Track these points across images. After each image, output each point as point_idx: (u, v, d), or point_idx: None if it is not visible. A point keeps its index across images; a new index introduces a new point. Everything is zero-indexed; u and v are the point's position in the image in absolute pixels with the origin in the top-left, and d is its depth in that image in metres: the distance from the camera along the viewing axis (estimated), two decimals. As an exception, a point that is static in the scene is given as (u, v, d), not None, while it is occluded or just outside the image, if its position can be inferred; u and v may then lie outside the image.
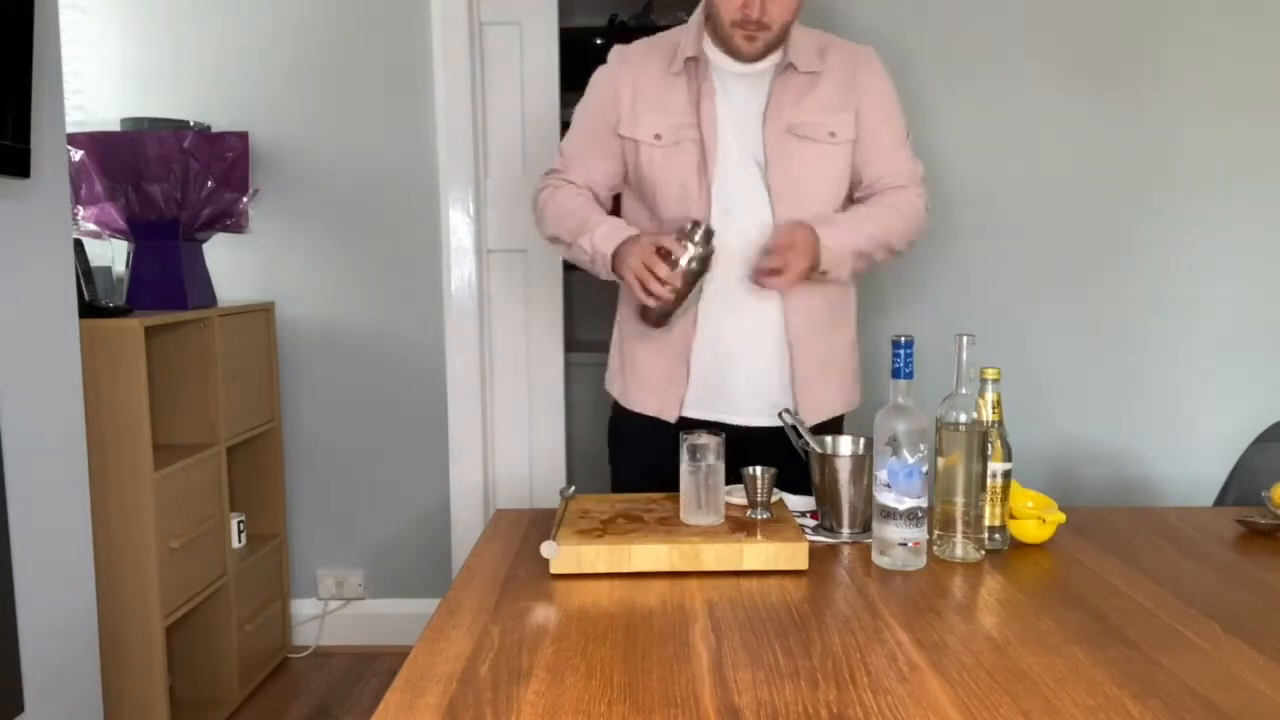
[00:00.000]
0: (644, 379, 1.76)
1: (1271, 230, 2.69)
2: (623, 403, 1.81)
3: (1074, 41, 2.66)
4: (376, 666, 2.79)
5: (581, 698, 0.93)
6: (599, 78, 1.76)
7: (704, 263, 1.55)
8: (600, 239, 1.64)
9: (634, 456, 1.82)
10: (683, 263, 1.53)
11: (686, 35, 1.69)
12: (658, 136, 1.67)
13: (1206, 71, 2.65)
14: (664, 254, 1.54)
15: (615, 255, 1.62)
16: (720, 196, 1.65)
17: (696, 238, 1.53)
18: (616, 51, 1.76)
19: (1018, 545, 1.39)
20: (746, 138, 1.65)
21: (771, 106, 1.65)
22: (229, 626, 2.51)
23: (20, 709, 1.75)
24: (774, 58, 1.68)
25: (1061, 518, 1.39)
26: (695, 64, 1.67)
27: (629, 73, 1.71)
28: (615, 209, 1.80)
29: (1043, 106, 2.68)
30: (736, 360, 1.70)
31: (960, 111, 2.68)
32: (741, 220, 1.64)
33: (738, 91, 1.67)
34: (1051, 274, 2.73)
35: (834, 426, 1.78)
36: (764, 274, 1.58)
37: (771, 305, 1.68)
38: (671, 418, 1.73)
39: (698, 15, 1.70)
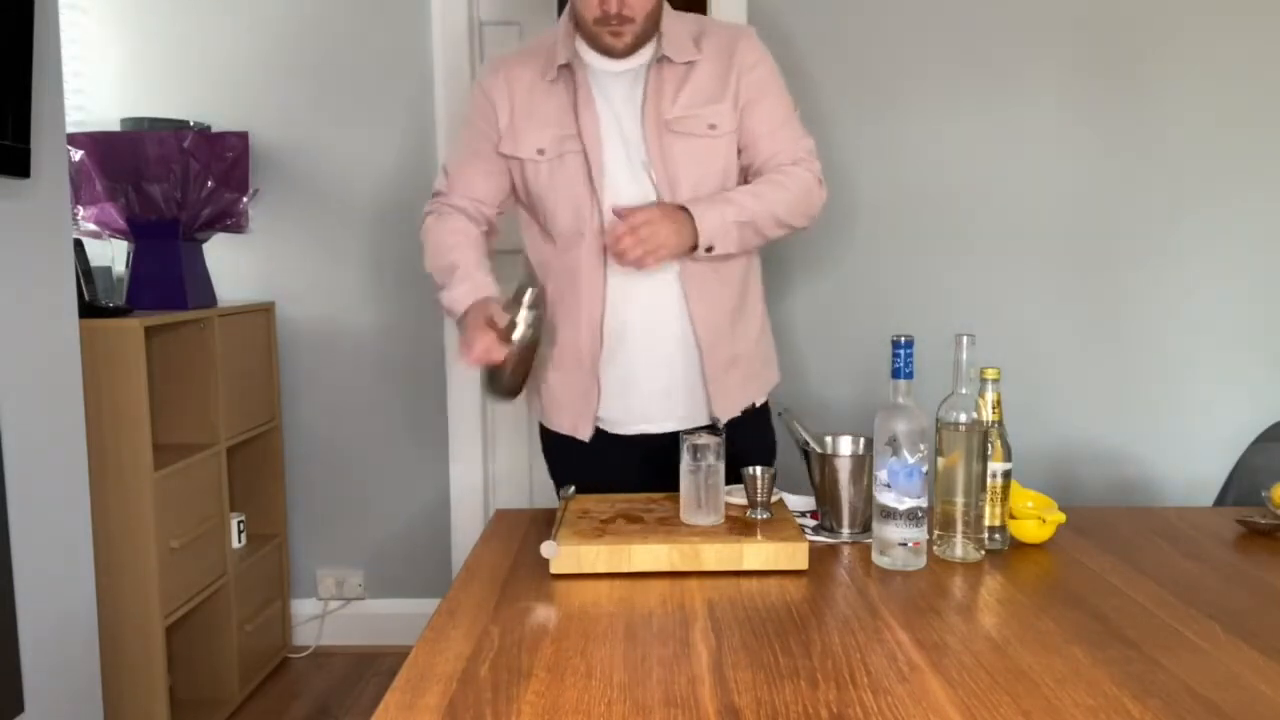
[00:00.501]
0: (558, 400, 1.73)
1: (1272, 231, 2.69)
2: (543, 422, 1.79)
3: (1074, 42, 2.66)
4: (376, 666, 2.79)
5: (581, 698, 0.93)
6: (474, 93, 1.70)
7: (537, 328, 1.52)
8: (454, 298, 1.62)
9: (566, 474, 1.75)
10: (516, 334, 1.50)
11: (557, 40, 1.64)
12: (540, 152, 1.63)
13: (1208, 72, 2.65)
14: (494, 325, 1.50)
15: (461, 319, 1.59)
16: (612, 204, 1.60)
17: (525, 300, 1.50)
18: (489, 64, 1.71)
19: (1018, 545, 1.39)
20: (629, 139, 1.61)
21: (648, 103, 1.59)
22: (229, 626, 2.51)
23: (20, 709, 1.75)
24: (648, 51, 1.62)
25: (1061, 518, 1.39)
26: (570, 69, 1.61)
27: (503, 86, 1.65)
28: None
29: (1043, 107, 2.68)
30: (644, 371, 1.67)
31: (960, 112, 2.68)
32: None
33: (615, 90, 1.62)
34: (1051, 274, 2.73)
35: (757, 415, 1.76)
36: (617, 245, 1.50)
37: (675, 312, 1.64)
38: (586, 436, 1.70)
39: (565, 18, 1.65)
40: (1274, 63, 2.64)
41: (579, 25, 1.61)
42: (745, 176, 1.68)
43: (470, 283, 1.63)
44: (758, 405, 1.75)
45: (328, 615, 2.94)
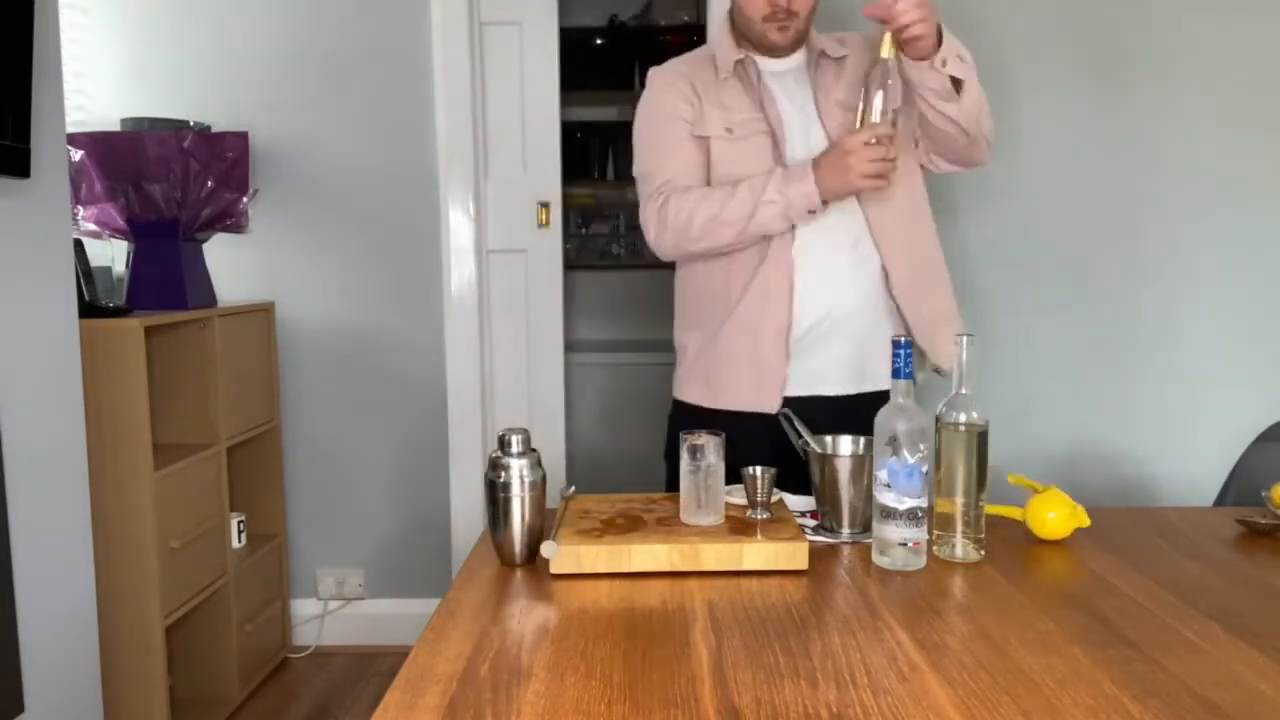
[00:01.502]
0: (735, 372, 1.75)
1: (1273, 232, 2.69)
2: (704, 404, 1.79)
3: (1075, 43, 2.66)
4: (376, 666, 2.79)
5: (581, 698, 0.93)
6: (657, 92, 1.78)
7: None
8: (783, 182, 1.63)
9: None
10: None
11: (720, 46, 1.77)
12: (729, 130, 1.71)
13: (1208, 72, 2.65)
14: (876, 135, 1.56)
15: (823, 179, 1.60)
16: None
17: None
18: (658, 70, 1.81)
19: (1018, 545, 1.39)
20: (808, 126, 1.72)
21: (820, 92, 1.73)
22: (229, 626, 2.51)
23: (20, 709, 1.75)
24: (800, 55, 1.77)
25: (1085, 520, 1.39)
26: (743, 66, 1.74)
27: (682, 79, 1.76)
28: None
29: (1044, 107, 2.68)
30: (838, 328, 1.73)
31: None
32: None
33: (784, 85, 1.75)
34: (1052, 274, 2.73)
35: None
36: (903, 19, 1.54)
37: (872, 270, 1.72)
38: (773, 408, 1.70)
39: (723, 29, 1.78)
40: (1275, 64, 2.64)
41: (740, 28, 1.74)
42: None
43: (778, 172, 1.66)
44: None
45: (328, 615, 2.94)
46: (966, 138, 1.71)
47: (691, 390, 1.83)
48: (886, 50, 1.56)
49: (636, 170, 1.81)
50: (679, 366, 1.88)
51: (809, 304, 1.71)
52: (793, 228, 1.68)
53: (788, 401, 1.69)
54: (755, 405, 1.73)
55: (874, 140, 1.56)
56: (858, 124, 1.58)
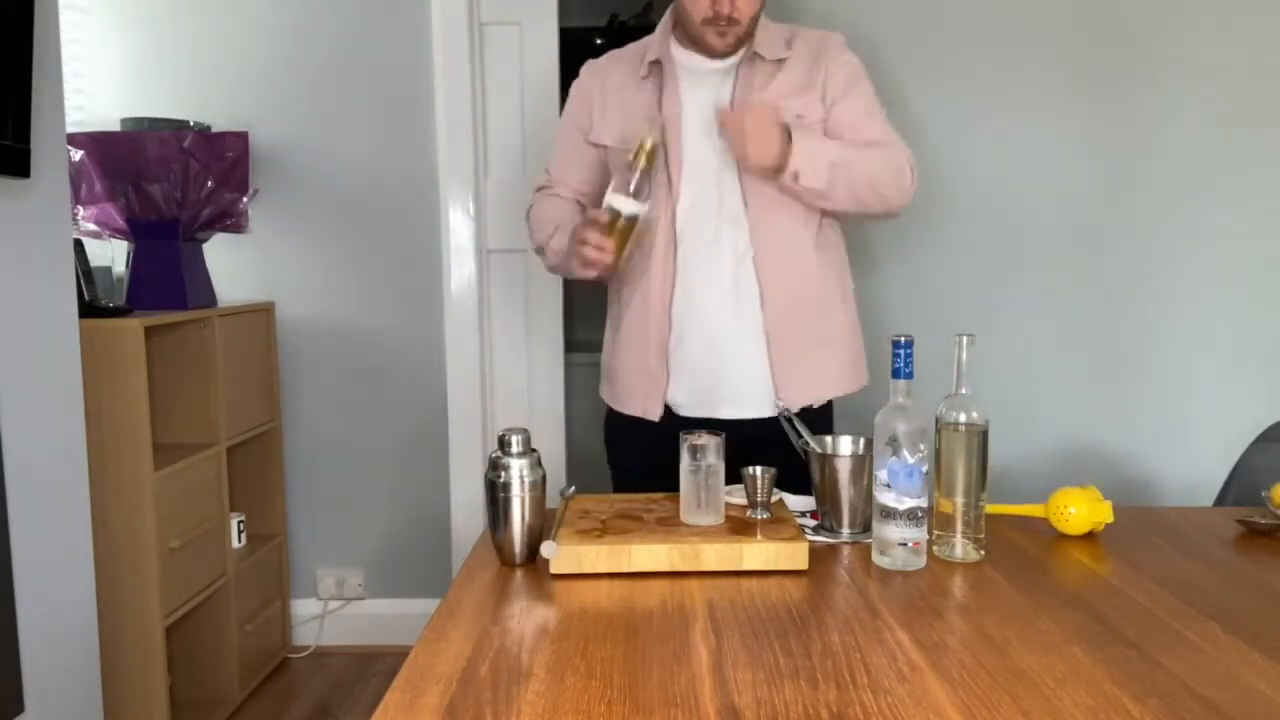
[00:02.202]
0: (628, 382, 1.78)
1: (1272, 231, 2.69)
2: (612, 405, 1.84)
3: (1071, 43, 2.66)
4: (376, 666, 2.79)
5: (581, 698, 0.93)
6: (571, 91, 1.83)
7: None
8: (560, 240, 1.70)
9: (629, 458, 1.84)
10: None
11: (654, 41, 1.74)
12: (624, 139, 1.68)
13: (1206, 73, 2.65)
14: (597, 222, 1.56)
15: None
16: (687, 189, 1.67)
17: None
18: (587, 65, 1.82)
19: (1018, 545, 1.39)
20: (712, 129, 1.66)
21: (737, 95, 1.66)
22: (229, 626, 2.51)
23: (20, 709, 1.75)
24: (740, 51, 1.70)
25: (1108, 517, 1.40)
26: (660, 67, 1.71)
27: (596, 82, 1.78)
28: None
29: (1042, 108, 2.68)
30: (714, 352, 1.71)
31: (960, 114, 2.68)
32: (711, 211, 1.67)
33: (704, 87, 1.69)
34: (1052, 274, 2.73)
35: (825, 411, 1.79)
36: (728, 118, 1.57)
37: (749, 293, 1.68)
38: (655, 417, 1.74)
39: (666, 20, 1.75)
40: (1272, 65, 2.64)
41: (682, 25, 1.68)
42: None
43: (574, 224, 1.69)
44: (817, 406, 1.76)
45: (328, 615, 2.94)
46: (857, 214, 1.72)
47: (604, 389, 1.88)
48: (639, 158, 1.52)
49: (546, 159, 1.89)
50: (602, 356, 1.92)
51: (688, 323, 1.70)
52: (674, 243, 1.67)
53: (683, 422, 1.69)
54: (642, 412, 1.76)
55: (592, 223, 1.55)
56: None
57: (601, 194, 1.74)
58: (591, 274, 1.62)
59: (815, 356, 1.74)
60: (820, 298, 1.74)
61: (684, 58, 1.72)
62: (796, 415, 1.53)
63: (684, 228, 1.68)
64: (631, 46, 1.81)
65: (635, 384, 1.77)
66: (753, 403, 1.72)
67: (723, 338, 1.70)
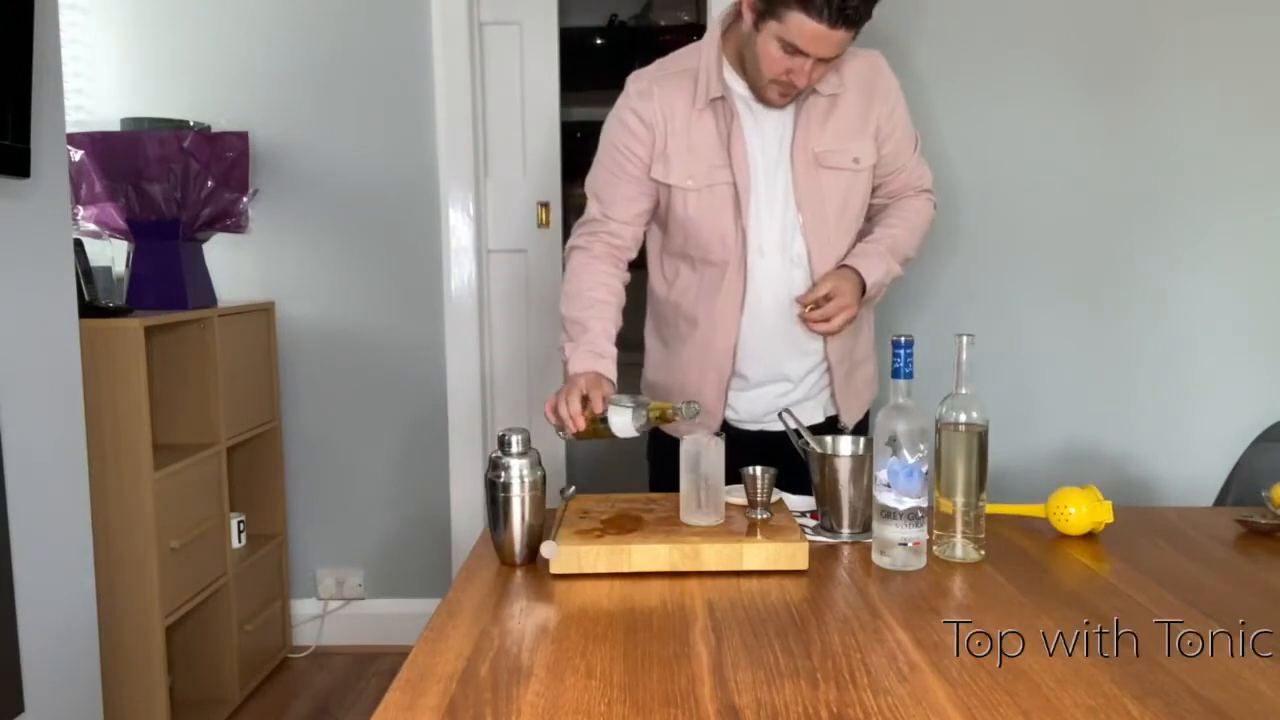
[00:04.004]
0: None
1: (1272, 231, 2.69)
2: (663, 429, 1.79)
3: (1075, 44, 2.66)
4: (376, 666, 2.79)
5: (581, 698, 0.93)
6: (623, 115, 1.68)
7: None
8: (574, 358, 1.61)
9: (672, 471, 1.80)
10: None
11: (706, 67, 1.63)
12: (690, 180, 1.65)
13: (1208, 74, 2.64)
14: (586, 401, 1.49)
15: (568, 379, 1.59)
16: (755, 236, 1.66)
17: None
18: (636, 87, 1.68)
19: (1018, 545, 1.39)
20: (776, 172, 1.65)
21: (798, 136, 1.64)
22: (229, 626, 2.51)
23: (20, 709, 1.75)
24: None
25: (1108, 517, 1.40)
26: (721, 100, 1.63)
27: (654, 111, 1.65)
28: None
29: (1043, 108, 2.68)
30: (775, 384, 1.74)
31: (961, 113, 2.68)
32: (773, 257, 1.67)
33: (766, 122, 1.65)
34: (1052, 274, 2.73)
35: (862, 422, 1.86)
36: (814, 320, 1.61)
37: (813, 338, 1.71)
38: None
39: (714, 41, 1.64)
40: (1275, 65, 2.64)
41: (746, 68, 1.60)
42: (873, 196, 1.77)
43: (593, 351, 1.62)
44: (865, 414, 1.85)
45: (328, 615, 2.94)
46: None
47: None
48: (651, 414, 1.47)
49: (588, 183, 1.77)
50: (645, 366, 1.90)
51: (750, 362, 1.72)
52: (743, 288, 1.67)
53: (738, 430, 1.75)
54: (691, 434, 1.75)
55: (574, 398, 1.50)
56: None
57: (643, 224, 1.74)
58: (547, 414, 1.56)
59: (858, 374, 1.83)
60: (860, 323, 1.80)
61: (741, 88, 1.64)
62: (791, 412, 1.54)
63: (753, 270, 1.67)
64: (678, 65, 1.68)
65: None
66: (806, 416, 1.71)
67: (785, 377, 1.74)
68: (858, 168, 1.67)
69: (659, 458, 1.86)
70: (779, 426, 1.68)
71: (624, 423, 1.46)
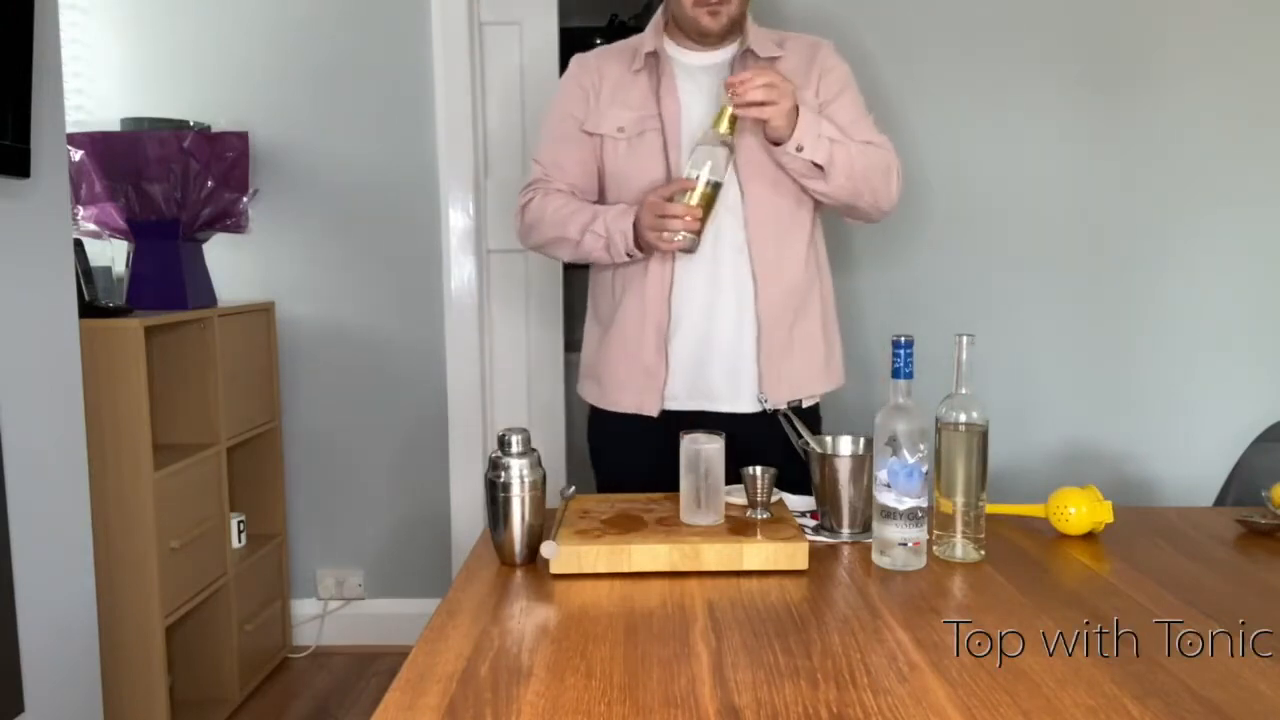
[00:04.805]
0: (620, 377, 1.77)
1: (1272, 231, 2.69)
2: (599, 404, 1.82)
3: (1073, 43, 2.66)
4: (376, 666, 2.79)
5: (581, 698, 0.93)
6: (563, 83, 1.81)
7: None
8: (613, 218, 1.65)
9: (619, 459, 1.83)
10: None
11: (647, 35, 1.76)
12: (620, 129, 1.70)
13: (1207, 72, 2.64)
14: (671, 197, 1.56)
15: (635, 225, 1.62)
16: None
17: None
18: (577, 59, 1.81)
19: (1018, 545, 1.39)
20: (708, 124, 1.66)
21: None
22: (229, 626, 2.51)
23: (20, 709, 1.75)
24: (728, 50, 1.73)
25: (1108, 517, 1.40)
26: (655, 59, 1.72)
27: (590, 74, 1.76)
28: None
29: (1043, 107, 2.68)
30: (712, 344, 1.72)
31: (962, 113, 2.68)
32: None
33: (700, 81, 1.71)
34: (1052, 274, 2.73)
35: (811, 410, 1.80)
36: (748, 96, 1.53)
37: (743, 286, 1.70)
38: (653, 412, 1.74)
39: (658, 17, 1.77)
40: (1274, 64, 2.64)
41: (674, 14, 1.70)
42: None
43: (620, 206, 1.67)
44: (804, 404, 1.76)
45: (328, 615, 2.94)
46: (847, 207, 1.72)
47: (587, 388, 1.86)
48: (721, 125, 1.54)
49: (533, 155, 1.83)
50: (581, 359, 1.90)
51: (686, 313, 1.71)
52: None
53: (675, 416, 1.71)
54: (638, 408, 1.75)
55: (666, 198, 1.55)
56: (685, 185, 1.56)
57: (592, 186, 1.77)
58: (672, 249, 1.58)
59: (798, 353, 1.76)
60: (806, 294, 1.76)
61: (678, 53, 1.74)
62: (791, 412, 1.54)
63: None
64: (619, 44, 1.81)
65: (630, 379, 1.76)
66: (738, 398, 1.73)
67: (717, 327, 1.71)
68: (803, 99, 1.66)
69: (595, 456, 1.87)
70: (736, 407, 1.71)
71: (709, 167, 1.52)
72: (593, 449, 1.88)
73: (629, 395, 1.77)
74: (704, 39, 1.70)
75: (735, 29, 1.71)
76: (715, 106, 1.67)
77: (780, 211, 1.71)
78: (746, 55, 1.71)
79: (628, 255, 1.66)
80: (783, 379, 1.73)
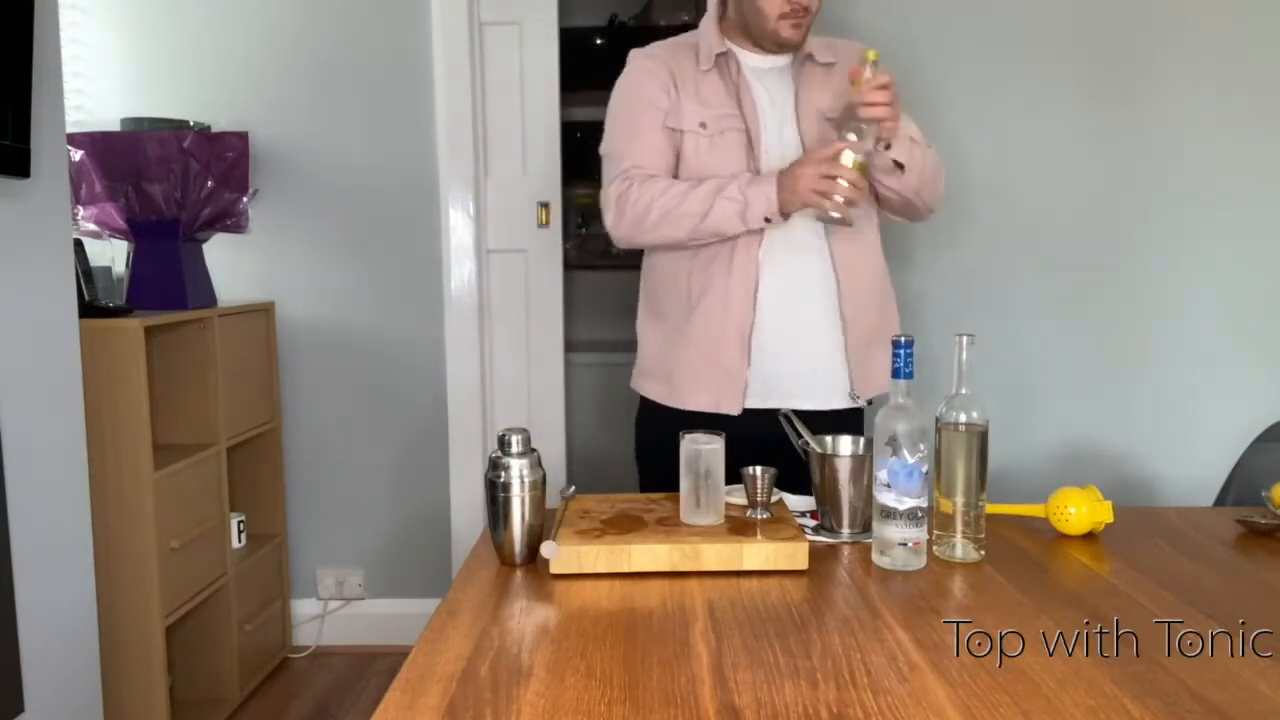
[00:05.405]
0: (696, 375, 1.75)
1: (1271, 231, 2.69)
2: (668, 403, 1.78)
3: (1075, 44, 2.66)
4: (376, 666, 2.79)
5: (581, 698, 0.93)
6: (635, 76, 1.76)
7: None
8: (747, 183, 1.63)
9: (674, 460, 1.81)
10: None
11: (705, 36, 1.75)
12: (703, 125, 1.70)
13: (1207, 73, 2.65)
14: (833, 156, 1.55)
15: (781, 188, 1.60)
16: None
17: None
18: (639, 52, 1.78)
19: (1018, 545, 1.39)
20: (783, 127, 1.71)
21: (801, 95, 1.72)
22: (229, 626, 2.51)
23: (20, 709, 1.75)
24: (786, 54, 1.75)
25: (1108, 517, 1.40)
26: (725, 59, 1.73)
27: (662, 67, 1.74)
28: None
29: (1044, 108, 2.68)
30: (795, 343, 1.72)
31: (961, 112, 2.68)
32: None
33: (765, 82, 1.74)
34: (1052, 274, 2.73)
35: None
36: (876, 99, 1.52)
37: (826, 281, 1.71)
38: (735, 411, 1.72)
39: (713, 17, 1.77)
40: (1274, 65, 2.64)
41: (749, 22, 1.69)
42: None
43: (748, 174, 1.66)
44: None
45: (328, 615, 2.94)
46: (906, 203, 1.75)
47: (652, 387, 1.82)
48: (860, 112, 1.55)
49: (604, 149, 1.77)
50: (639, 357, 1.86)
51: (771, 312, 1.71)
52: (758, 233, 1.67)
53: (751, 414, 1.71)
54: (715, 407, 1.74)
55: (834, 159, 1.55)
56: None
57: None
58: (825, 205, 1.55)
59: (880, 349, 1.75)
60: (884, 292, 1.81)
61: (741, 54, 1.75)
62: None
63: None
64: (671, 42, 1.79)
65: (707, 377, 1.73)
66: (825, 393, 1.73)
67: (805, 327, 1.72)
68: None
69: (647, 455, 1.86)
70: (818, 404, 1.71)
71: (858, 144, 1.53)
72: (644, 449, 1.85)
73: (705, 395, 1.74)
74: (782, 49, 1.73)
75: (806, 37, 1.73)
76: (779, 108, 1.71)
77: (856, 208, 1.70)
78: (806, 61, 1.74)
79: (765, 220, 1.62)
80: (873, 375, 1.75)
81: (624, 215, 1.70)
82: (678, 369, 1.77)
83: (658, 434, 1.81)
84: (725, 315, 1.71)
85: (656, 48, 1.79)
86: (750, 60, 1.75)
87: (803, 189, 1.57)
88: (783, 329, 1.71)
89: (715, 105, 1.71)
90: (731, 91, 1.71)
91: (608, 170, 1.76)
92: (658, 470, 1.81)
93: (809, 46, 1.74)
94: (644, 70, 1.75)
